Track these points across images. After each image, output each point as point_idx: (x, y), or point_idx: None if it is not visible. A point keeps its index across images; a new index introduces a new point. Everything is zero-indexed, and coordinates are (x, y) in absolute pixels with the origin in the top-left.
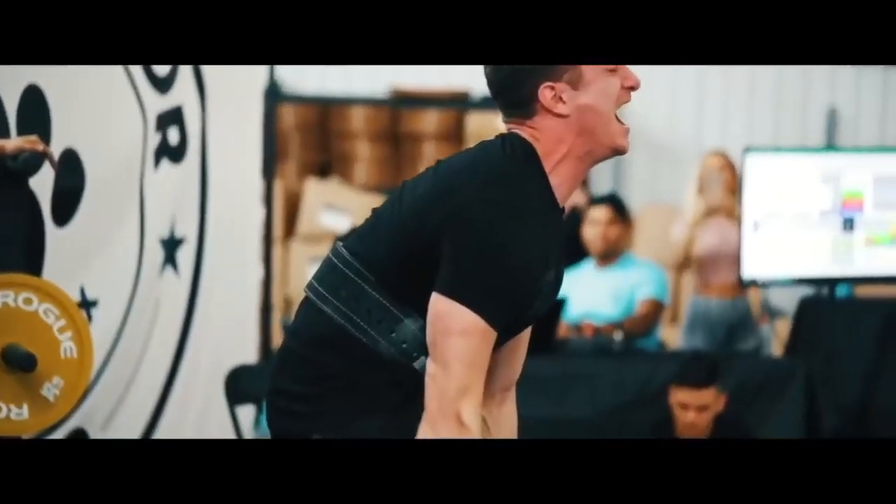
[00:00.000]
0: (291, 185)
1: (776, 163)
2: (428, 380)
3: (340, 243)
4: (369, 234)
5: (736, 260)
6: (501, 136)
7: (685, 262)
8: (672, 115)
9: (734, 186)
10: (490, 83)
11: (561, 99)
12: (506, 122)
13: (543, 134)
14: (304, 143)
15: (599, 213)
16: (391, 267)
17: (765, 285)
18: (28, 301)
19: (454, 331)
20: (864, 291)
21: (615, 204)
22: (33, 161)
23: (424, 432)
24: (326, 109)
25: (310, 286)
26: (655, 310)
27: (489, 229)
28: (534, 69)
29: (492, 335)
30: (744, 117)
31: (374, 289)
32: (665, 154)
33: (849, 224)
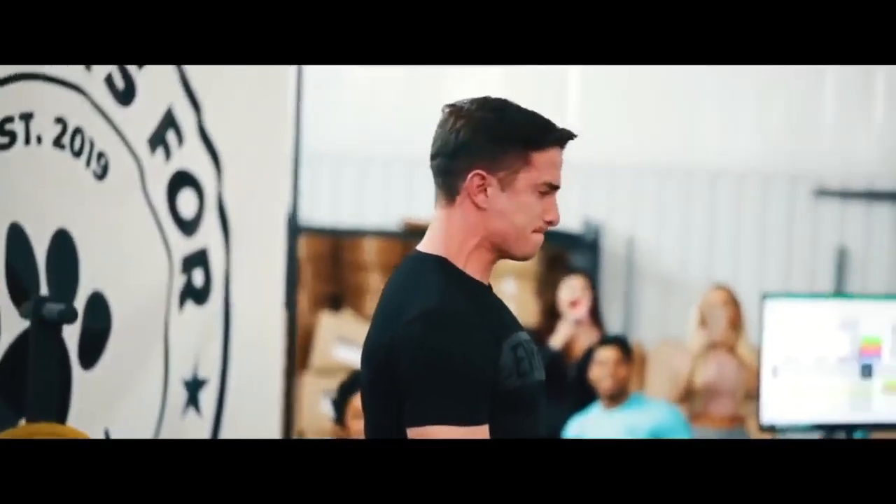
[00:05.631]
0: (304, 317)
1: (794, 308)
2: None
3: None
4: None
5: (734, 392)
6: (405, 260)
7: (686, 394)
8: (684, 252)
9: (737, 322)
10: (438, 161)
11: (485, 191)
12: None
13: (456, 226)
14: (317, 275)
15: (607, 354)
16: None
17: (783, 431)
18: None
19: None
20: (882, 437)
21: (622, 344)
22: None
23: None
24: (339, 241)
25: None
26: None
27: (419, 345)
28: (480, 155)
29: (475, 431)
30: (755, 255)
31: None
32: (676, 291)
33: (867, 370)
